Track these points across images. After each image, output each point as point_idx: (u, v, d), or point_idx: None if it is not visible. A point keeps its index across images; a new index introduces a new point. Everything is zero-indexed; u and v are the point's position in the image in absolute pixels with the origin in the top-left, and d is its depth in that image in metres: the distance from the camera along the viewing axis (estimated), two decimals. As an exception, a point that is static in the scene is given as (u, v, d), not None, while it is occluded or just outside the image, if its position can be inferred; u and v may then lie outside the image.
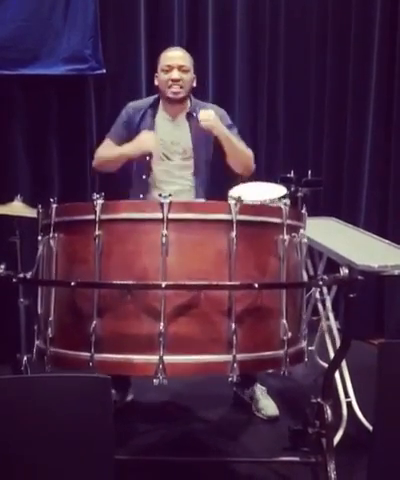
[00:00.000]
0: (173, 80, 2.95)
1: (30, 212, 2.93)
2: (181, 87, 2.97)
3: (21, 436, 1.63)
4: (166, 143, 3.04)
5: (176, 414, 3.12)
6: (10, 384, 1.68)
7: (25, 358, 3.12)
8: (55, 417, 1.65)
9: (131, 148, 2.99)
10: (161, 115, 3.08)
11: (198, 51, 3.92)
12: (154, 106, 3.09)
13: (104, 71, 3.84)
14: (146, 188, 3.08)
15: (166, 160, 3.06)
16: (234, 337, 1.89)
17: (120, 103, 4.04)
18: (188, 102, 3.07)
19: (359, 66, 4.15)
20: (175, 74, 2.94)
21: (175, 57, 3.00)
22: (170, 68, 2.95)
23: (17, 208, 3.14)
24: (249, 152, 3.09)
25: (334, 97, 4.28)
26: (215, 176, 3.20)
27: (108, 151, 3.09)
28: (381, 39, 4.03)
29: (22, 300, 3.20)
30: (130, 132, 3.06)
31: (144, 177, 3.06)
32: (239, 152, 3.02)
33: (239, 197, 1.95)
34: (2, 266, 2.11)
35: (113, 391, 3.01)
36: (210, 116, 2.88)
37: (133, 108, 3.14)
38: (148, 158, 3.03)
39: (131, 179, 3.15)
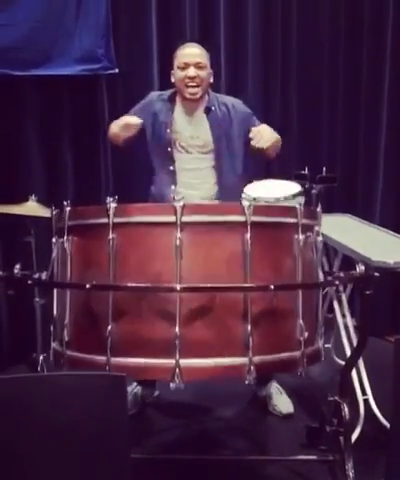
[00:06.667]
0: (190, 77, 2.92)
1: (44, 212, 2.94)
2: (198, 85, 2.94)
3: (37, 434, 1.62)
4: (184, 136, 3.03)
5: (192, 412, 3.12)
6: (26, 382, 1.68)
7: (41, 357, 3.14)
8: (71, 415, 1.64)
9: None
10: (179, 110, 3.06)
11: (210, 47, 3.89)
12: (172, 100, 3.07)
13: (116, 70, 3.84)
14: (173, 178, 3.05)
15: (184, 153, 3.05)
16: (250, 339, 1.88)
17: (133, 102, 4.04)
18: (206, 96, 3.05)
19: (372, 63, 4.11)
20: (192, 72, 2.91)
21: (192, 54, 2.96)
22: (187, 65, 2.92)
23: (31, 208, 3.15)
24: (278, 136, 2.98)
25: (348, 93, 4.25)
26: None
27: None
28: (395, 29, 3.98)
29: (38, 300, 3.22)
30: (146, 116, 3.02)
31: (171, 168, 3.05)
32: (277, 147, 3.00)
33: (253, 198, 1.95)
34: (17, 266, 2.12)
35: (140, 387, 3.02)
36: (262, 136, 2.78)
37: (157, 96, 3.13)
38: (169, 149, 3.03)
39: (153, 170, 3.14)
